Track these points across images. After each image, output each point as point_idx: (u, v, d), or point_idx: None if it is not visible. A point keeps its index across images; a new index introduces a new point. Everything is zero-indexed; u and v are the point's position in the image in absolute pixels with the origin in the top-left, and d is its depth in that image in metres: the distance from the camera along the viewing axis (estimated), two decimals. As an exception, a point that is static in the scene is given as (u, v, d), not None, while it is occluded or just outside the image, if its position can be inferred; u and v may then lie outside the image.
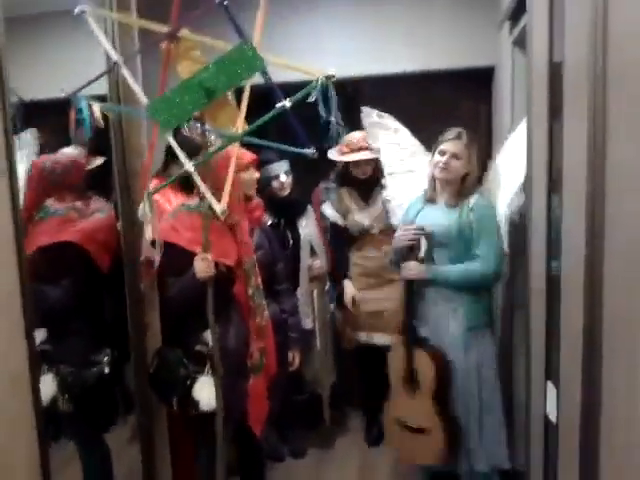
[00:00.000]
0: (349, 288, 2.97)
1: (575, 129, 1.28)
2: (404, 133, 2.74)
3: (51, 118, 2.36)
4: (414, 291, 2.38)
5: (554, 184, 1.56)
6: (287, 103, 1.53)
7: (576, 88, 1.26)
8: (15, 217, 1.48)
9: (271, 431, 3.00)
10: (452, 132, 2.36)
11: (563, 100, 1.41)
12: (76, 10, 1.61)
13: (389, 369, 2.46)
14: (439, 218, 2.35)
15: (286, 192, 2.81)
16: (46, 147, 2.29)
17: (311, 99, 1.49)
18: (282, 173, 2.79)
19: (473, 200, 2.33)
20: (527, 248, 1.85)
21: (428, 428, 2.34)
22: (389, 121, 2.73)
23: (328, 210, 3.02)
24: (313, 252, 2.95)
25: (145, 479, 2.11)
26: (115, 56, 1.66)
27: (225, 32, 1.59)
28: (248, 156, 2.15)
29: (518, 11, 2.60)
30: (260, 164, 2.71)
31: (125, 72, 1.65)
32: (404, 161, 2.70)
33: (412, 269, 2.36)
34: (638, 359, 0.97)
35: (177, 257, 1.88)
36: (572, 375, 1.28)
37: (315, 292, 2.97)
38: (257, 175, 2.33)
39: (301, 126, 1.56)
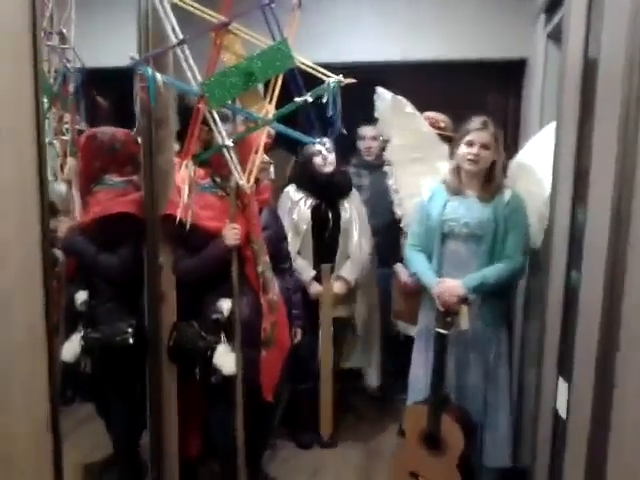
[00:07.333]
0: (403, 273, 2.87)
1: (606, 132, 1.26)
2: (418, 118, 2.59)
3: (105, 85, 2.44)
4: (445, 350, 2.21)
5: (580, 193, 1.52)
6: (309, 98, 1.80)
7: (611, 87, 1.23)
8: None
9: (300, 419, 3.01)
10: (478, 121, 2.26)
11: (595, 99, 1.38)
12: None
13: (405, 424, 2.39)
14: (473, 211, 2.28)
15: (329, 169, 2.77)
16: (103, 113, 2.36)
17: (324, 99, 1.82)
18: (324, 149, 2.70)
19: (507, 196, 2.28)
20: (549, 252, 1.84)
21: None
22: (403, 105, 2.55)
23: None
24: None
25: (153, 444, 2.15)
26: (180, 35, 1.77)
27: (256, 27, 1.82)
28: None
29: (555, 3, 2.56)
30: (297, 145, 2.74)
31: (187, 50, 1.78)
32: (415, 148, 2.57)
33: (449, 291, 2.23)
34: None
35: (193, 234, 1.98)
36: (585, 371, 1.29)
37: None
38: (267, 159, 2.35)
39: (315, 118, 1.85)
